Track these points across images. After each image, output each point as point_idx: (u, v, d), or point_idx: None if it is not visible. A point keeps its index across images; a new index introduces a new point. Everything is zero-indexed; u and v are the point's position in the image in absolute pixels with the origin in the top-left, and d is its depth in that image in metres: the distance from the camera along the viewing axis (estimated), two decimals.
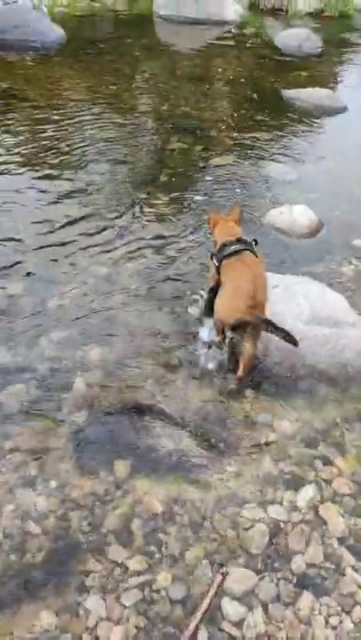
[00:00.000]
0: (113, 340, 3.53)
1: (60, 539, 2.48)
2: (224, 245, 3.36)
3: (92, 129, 6.10)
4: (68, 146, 5.71)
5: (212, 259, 3.43)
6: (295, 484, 2.75)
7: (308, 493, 2.69)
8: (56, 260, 4.15)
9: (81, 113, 6.47)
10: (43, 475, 2.73)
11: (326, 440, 2.98)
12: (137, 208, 4.80)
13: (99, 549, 2.44)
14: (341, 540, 2.53)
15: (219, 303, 3.24)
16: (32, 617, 2.21)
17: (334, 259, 4.34)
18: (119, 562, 2.40)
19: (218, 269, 3.34)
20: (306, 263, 4.24)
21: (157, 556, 2.43)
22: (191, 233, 4.52)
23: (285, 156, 5.89)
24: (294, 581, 2.38)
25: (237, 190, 5.14)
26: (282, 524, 2.57)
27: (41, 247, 4.24)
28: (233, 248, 3.31)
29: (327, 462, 2.86)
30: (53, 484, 2.69)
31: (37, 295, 3.83)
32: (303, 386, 3.29)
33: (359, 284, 4.11)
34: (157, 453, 2.84)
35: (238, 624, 2.22)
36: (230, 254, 3.28)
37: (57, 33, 8.61)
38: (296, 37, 8.98)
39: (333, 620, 2.26)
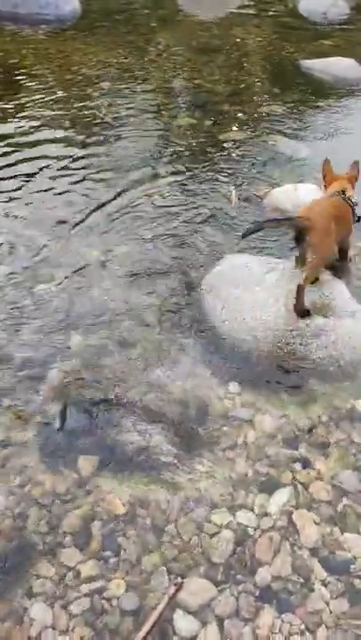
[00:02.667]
0: (96, 328, 3.37)
1: (15, 539, 2.37)
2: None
3: (97, 105, 5.88)
4: (71, 122, 5.52)
5: None
6: (269, 487, 2.56)
7: (281, 498, 2.50)
8: (47, 244, 4.00)
9: (88, 88, 6.25)
10: (5, 469, 2.62)
11: (309, 439, 2.77)
12: (136, 187, 4.59)
13: (53, 552, 2.32)
14: (313, 552, 2.34)
15: None
16: None
17: None
18: (72, 566, 2.28)
19: None
20: None
21: (113, 561, 2.30)
22: (193, 214, 4.29)
23: (299, 131, 5.55)
24: (256, 595, 2.20)
25: (244, 168, 4.87)
26: (250, 531, 2.40)
27: (32, 234, 4.09)
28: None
29: (307, 464, 2.66)
30: (14, 479, 2.58)
31: (24, 279, 3.69)
32: (291, 380, 3.09)
33: None
34: (126, 450, 2.69)
35: None
36: None
37: (72, 5, 8.33)
38: (321, 3, 8.44)
39: None
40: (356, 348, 3.18)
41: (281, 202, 4.34)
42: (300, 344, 3.17)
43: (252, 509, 2.48)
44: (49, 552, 2.32)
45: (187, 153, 5.11)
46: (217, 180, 4.70)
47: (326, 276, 3.52)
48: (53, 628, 2.10)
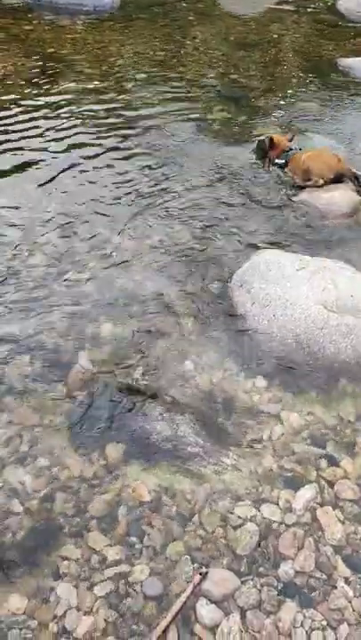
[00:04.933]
0: (126, 317, 3.40)
1: (42, 520, 2.41)
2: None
3: (133, 97, 5.90)
4: (105, 112, 5.55)
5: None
6: (295, 483, 2.57)
7: (306, 495, 2.51)
8: (77, 232, 4.03)
9: (124, 80, 6.28)
10: (34, 452, 2.66)
11: (336, 438, 2.77)
12: (169, 178, 4.60)
13: (79, 535, 2.36)
14: (337, 549, 2.34)
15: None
16: (1, 598, 2.15)
17: None
18: (97, 549, 2.31)
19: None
20: (340, 246, 3.95)
21: (138, 547, 2.33)
22: (226, 208, 4.29)
23: (334, 130, 5.51)
24: (279, 589, 2.22)
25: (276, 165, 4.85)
26: (274, 526, 2.41)
27: (66, 221, 4.13)
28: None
29: (333, 463, 2.66)
30: (43, 462, 2.62)
31: (56, 265, 3.73)
32: (320, 378, 3.08)
33: None
34: (153, 439, 2.72)
35: (212, 629, 2.09)
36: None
37: None
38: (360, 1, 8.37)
39: (316, 636, 2.09)
40: None
41: (314, 199, 4.33)
42: (330, 343, 3.15)
43: (276, 504, 2.48)
44: (75, 534, 2.35)
45: (221, 147, 5.10)
46: (251, 175, 4.69)
47: (355, 274, 3.50)
48: (78, 609, 2.13)
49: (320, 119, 5.68)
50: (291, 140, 4.87)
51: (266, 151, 4.83)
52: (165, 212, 4.22)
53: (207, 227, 4.09)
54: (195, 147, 5.08)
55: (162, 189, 4.46)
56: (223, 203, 4.34)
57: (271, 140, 4.79)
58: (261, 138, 4.94)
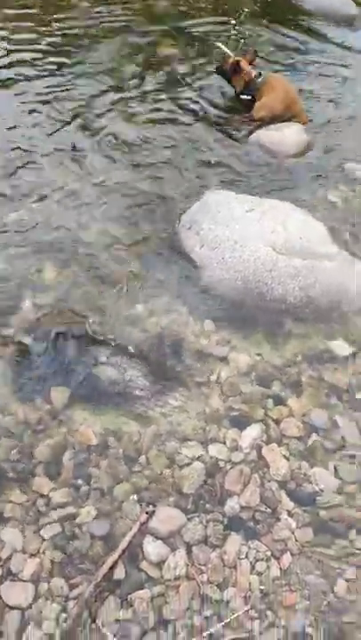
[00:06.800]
0: (71, 260, 3.27)
1: None
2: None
3: (76, 29, 5.52)
4: (46, 43, 5.18)
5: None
6: (241, 422, 2.59)
7: (253, 433, 2.54)
8: (21, 168, 3.81)
9: (65, 8, 5.86)
10: None
11: (282, 378, 2.80)
12: (117, 113, 4.38)
13: (24, 479, 2.32)
14: (282, 484, 2.40)
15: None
16: None
17: (322, 184, 3.98)
18: (43, 493, 2.29)
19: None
20: (290, 187, 3.90)
21: (84, 489, 2.32)
22: (175, 145, 4.12)
23: (285, 62, 5.35)
24: (225, 523, 2.26)
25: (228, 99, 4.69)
26: (221, 464, 2.44)
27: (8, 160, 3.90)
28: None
29: (279, 401, 2.69)
30: None
31: None
32: (268, 319, 3.08)
33: (345, 214, 3.78)
34: (99, 383, 2.68)
35: (158, 564, 2.13)
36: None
37: None
38: None
39: (260, 566, 2.16)
40: (332, 291, 3.19)
41: (264, 138, 4.24)
42: (278, 284, 3.14)
43: (223, 443, 2.51)
44: (20, 479, 2.32)
45: (170, 80, 4.87)
46: (203, 110, 4.52)
47: (305, 216, 3.47)
48: (24, 552, 2.12)
49: (271, 51, 5.49)
50: (251, 63, 4.55)
51: (229, 78, 4.56)
52: (110, 147, 4.03)
53: (154, 164, 3.94)
54: (141, 79, 4.84)
55: (105, 122, 4.24)
56: (172, 139, 4.18)
57: (237, 63, 4.44)
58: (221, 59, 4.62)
